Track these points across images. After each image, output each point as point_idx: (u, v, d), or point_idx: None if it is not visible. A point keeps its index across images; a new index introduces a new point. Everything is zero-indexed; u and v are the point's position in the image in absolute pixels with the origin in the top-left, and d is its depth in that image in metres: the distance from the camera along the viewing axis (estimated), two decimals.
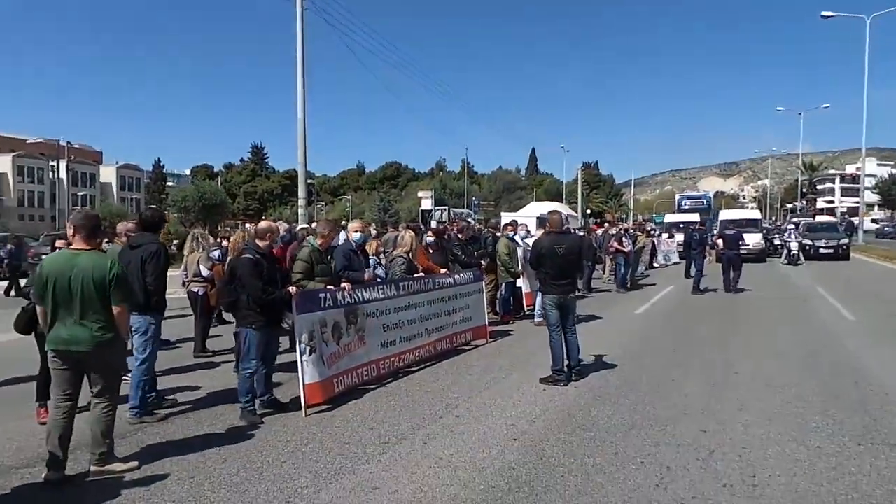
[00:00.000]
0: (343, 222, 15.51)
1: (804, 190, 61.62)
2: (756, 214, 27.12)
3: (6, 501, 3.81)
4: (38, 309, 4.12)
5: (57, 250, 5.28)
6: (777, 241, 27.46)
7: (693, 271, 15.81)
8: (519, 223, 12.56)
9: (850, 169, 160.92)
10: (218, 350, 8.12)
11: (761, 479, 3.97)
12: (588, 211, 72.91)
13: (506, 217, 41.25)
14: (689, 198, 46.92)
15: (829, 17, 35.44)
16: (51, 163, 79.28)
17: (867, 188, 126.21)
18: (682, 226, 24.77)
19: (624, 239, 15.53)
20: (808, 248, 26.16)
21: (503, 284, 10.48)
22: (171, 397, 5.87)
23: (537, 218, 36.72)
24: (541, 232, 9.45)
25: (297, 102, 19.07)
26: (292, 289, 5.57)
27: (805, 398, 5.80)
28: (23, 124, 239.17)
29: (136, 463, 4.22)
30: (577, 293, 7.35)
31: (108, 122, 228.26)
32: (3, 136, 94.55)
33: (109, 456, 4.12)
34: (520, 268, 10.29)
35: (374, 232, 10.48)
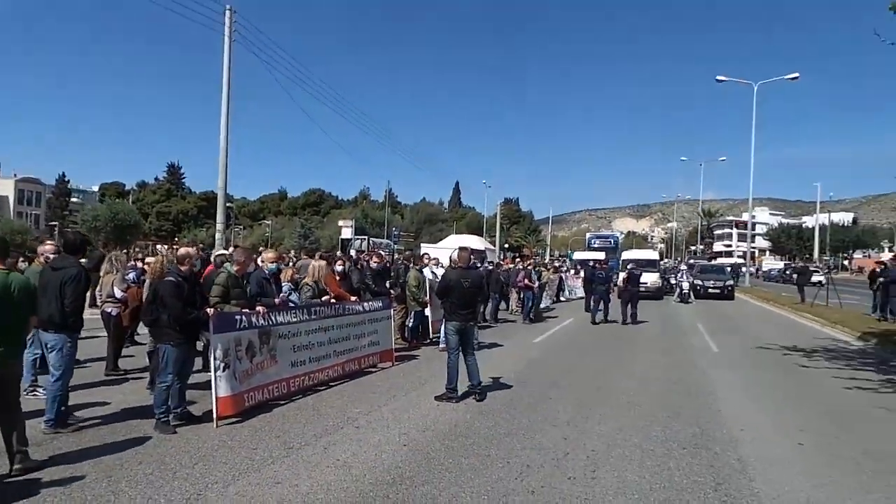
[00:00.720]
0: (260, 248, 15.85)
1: (703, 234, 66.61)
2: (654, 255, 29.38)
3: None
4: None
5: None
6: (673, 281, 29.82)
7: (592, 304, 17.32)
8: (431, 256, 13.48)
9: (746, 216, 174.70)
10: (129, 369, 8.38)
11: (599, 474, 4.89)
12: (507, 245, 75.12)
13: (425, 248, 42.27)
14: (598, 237, 49.74)
15: (723, 80, 39.16)
16: None
17: (759, 234, 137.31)
18: (589, 263, 26.52)
19: (532, 274, 16.72)
20: (698, 287, 28.66)
21: (412, 312, 11.26)
22: (77, 413, 6.12)
23: (457, 249, 37.94)
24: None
25: (221, 128, 19.36)
26: (210, 310, 6.12)
27: (654, 413, 6.88)
28: None
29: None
30: (477, 322, 8.22)
31: (6, 131, 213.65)
32: None
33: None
34: (427, 297, 11.12)
35: (294, 260, 10.97)
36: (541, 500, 4.32)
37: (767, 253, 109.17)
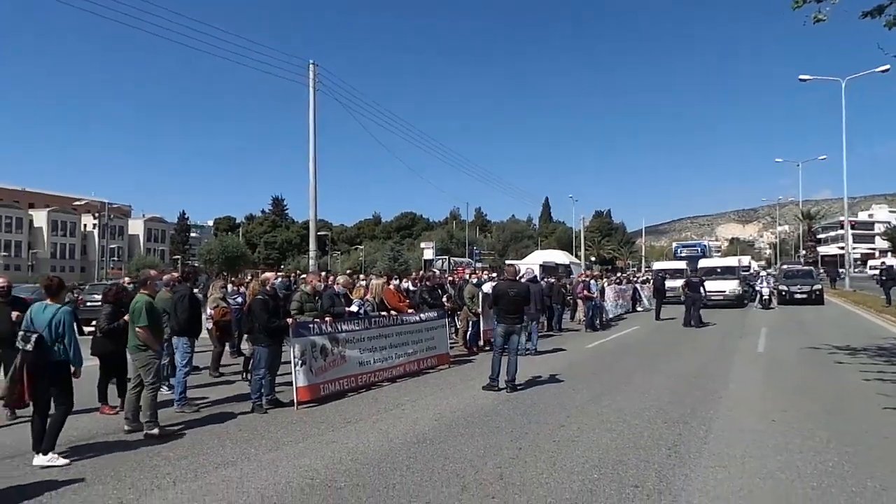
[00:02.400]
0: (348, 271, 17.98)
1: (804, 238, 63.31)
2: (734, 262, 28.96)
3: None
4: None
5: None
6: (757, 287, 29.34)
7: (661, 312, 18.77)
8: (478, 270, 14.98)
9: (863, 216, 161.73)
10: (226, 373, 10.37)
11: (580, 439, 6.16)
12: (592, 258, 74.75)
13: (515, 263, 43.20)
14: (684, 246, 48.95)
15: (806, 80, 37.91)
16: (83, 217, 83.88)
17: (877, 234, 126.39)
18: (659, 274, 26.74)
19: (592, 284, 17.76)
20: (784, 293, 28.11)
21: (470, 322, 12.77)
22: (196, 400, 8.11)
23: (540, 265, 39.07)
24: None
25: (309, 169, 21.91)
26: (289, 320, 7.96)
27: (658, 399, 7.97)
28: (57, 182, 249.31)
29: (156, 431, 6.41)
30: (522, 326, 9.63)
31: (137, 178, 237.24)
32: (39, 192, 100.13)
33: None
34: (479, 309, 12.59)
35: (363, 280, 12.75)
36: (523, 453, 5.68)
37: (889, 254, 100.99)
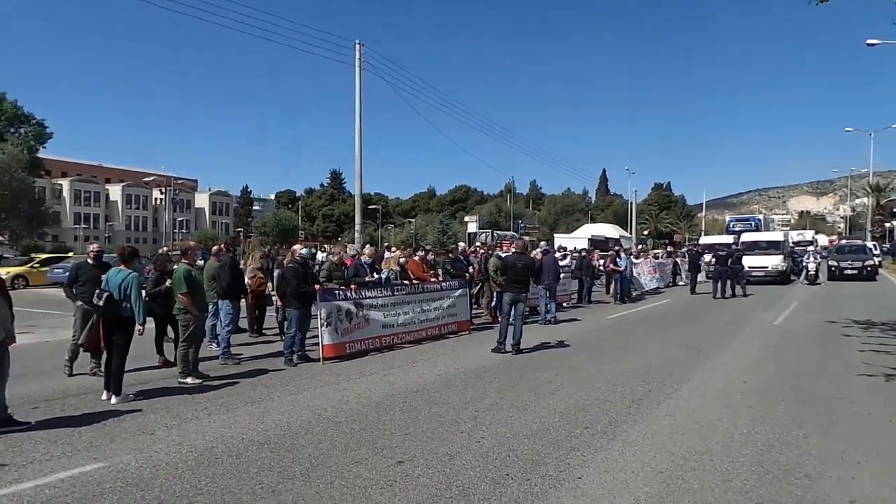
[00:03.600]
0: (383, 247, 19.08)
1: (873, 212, 60.34)
2: (779, 236, 28.37)
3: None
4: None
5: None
6: (804, 263, 28.82)
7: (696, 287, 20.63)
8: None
9: None
10: (268, 334, 11.60)
11: (558, 392, 6.99)
12: (645, 233, 73.65)
13: (559, 238, 43.80)
14: (738, 220, 47.75)
15: (874, 44, 36.18)
16: (154, 191, 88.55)
17: None
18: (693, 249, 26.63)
19: (618, 259, 18.23)
20: (833, 268, 27.57)
21: (494, 293, 13.60)
22: (236, 354, 9.33)
23: (588, 239, 39.29)
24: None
25: (356, 147, 23.00)
26: (317, 286, 9.05)
27: (648, 364, 8.66)
28: (129, 157, 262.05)
29: (200, 381, 7.56)
30: (528, 295, 10.45)
31: (204, 152, 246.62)
32: (115, 167, 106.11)
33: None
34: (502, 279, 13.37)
35: (394, 252, 13.74)
36: (502, 401, 6.57)
37: None
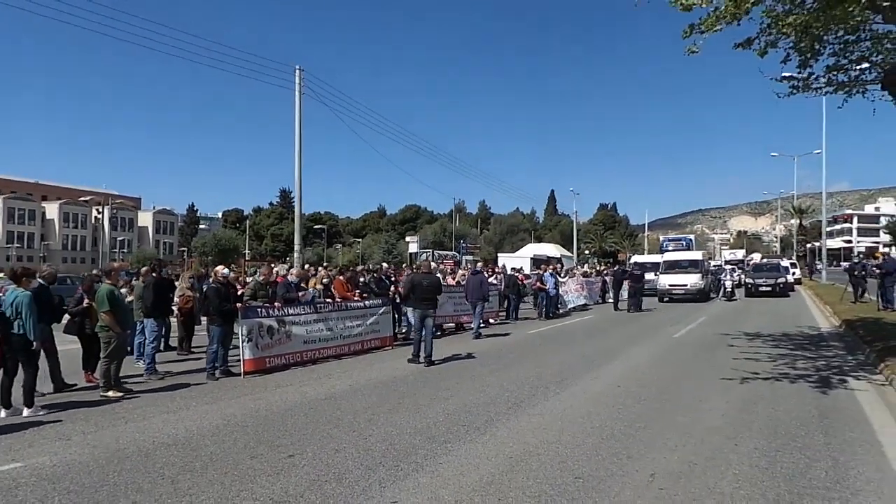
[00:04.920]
0: (325, 265, 19.69)
1: (798, 232, 64.37)
2: (698, 256, 30.22)
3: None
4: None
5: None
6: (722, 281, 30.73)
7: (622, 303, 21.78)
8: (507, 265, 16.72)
9: (868, 209, 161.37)
10: (196, 352, 12.06)
11: (453, 399, 7.79)
12: (587, 252, 76.04)
13: (502, 258, 44.98)
14: (671, 240, 50.22)
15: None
16: (94, 209, 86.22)
17: (881, 227, 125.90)
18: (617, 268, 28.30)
19: (545, 277, 19.34)
20: (750, 286, 29.56)
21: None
22: (162, 369, 9.81)
23: (531, 258, 40.56)
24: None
25: (295, 171, 23.58)
26: (238, 304, 9.65)
27: (545, 373, 9.57)
28: (69, 174, 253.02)
29: (121, 394, 8.03)
30: (434, 311, 11.27)
31: (147, 169, 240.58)
32: (52, 184, 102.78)
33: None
34: None
35: (315, 272, 14.38)
36: (400, 406, 7.33)
37: (893, 249, 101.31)
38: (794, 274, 37.24)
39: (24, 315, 6.83)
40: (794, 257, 58.52)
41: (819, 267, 39.51)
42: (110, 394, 7.89)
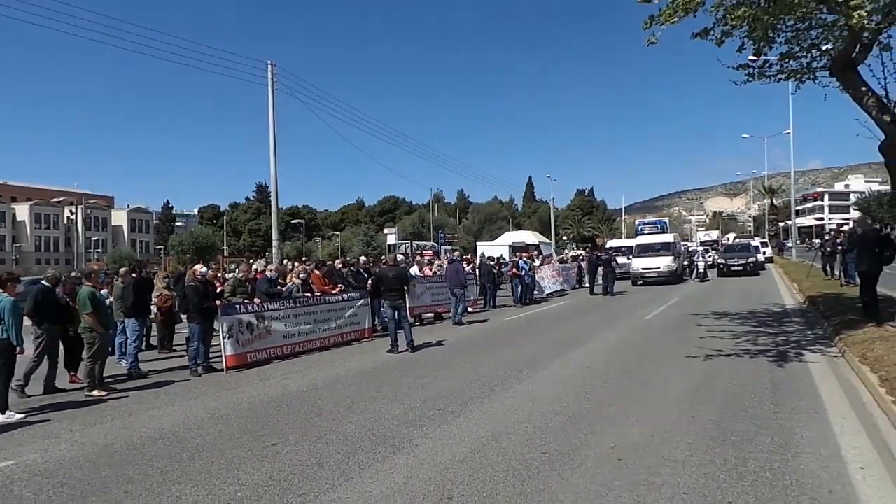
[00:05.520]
0: (304, 259, 19.88)
1: (769, 212, 65.74)
2: (669, 238, 30.76)
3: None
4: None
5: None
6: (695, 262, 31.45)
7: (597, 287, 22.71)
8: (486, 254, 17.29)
9: (839, 186, 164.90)
10: (178, 350, 12.24)
11: (430, 386, 8.11)
12: (565, 238, 76.83)
13: (481, 246, 45.38)
14: (646, 223, 50.84)
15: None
16: (66, 209, 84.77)
17: (851, 204, 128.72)
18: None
19: (521, 264, 19.73)
20: (722, 266, 30.29)
21: None
22: (144, 368, 9.98)
23: (509, 246, 40.95)
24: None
25: (270, 166, 23.61)
26: (218, 302, 9.85)
27: (520, 357, 9.93)
28: (39, 173, 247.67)
29: (106, 393, 8.21)
30: (404, 301, 11.61)
31: (120, 167, 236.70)
32: (21, 185, 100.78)
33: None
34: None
35: (293, 267, 14.60)
36: (379, 395, 7.63)
37: (852, 223, 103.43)
38: (764, 253, 38.18)
39: (7, 321, 6.95)
40: (766, 237, 59.77)
41: (788, 245, 40.55)
42: (95, 393, 8.07)
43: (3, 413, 7.00)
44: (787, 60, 10.25)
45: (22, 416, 7.09)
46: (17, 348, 7.09)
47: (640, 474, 4.55)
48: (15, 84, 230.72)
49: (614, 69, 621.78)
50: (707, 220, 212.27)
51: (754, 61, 10.47)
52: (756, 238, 50.99)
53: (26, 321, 7.63)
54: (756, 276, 29.03)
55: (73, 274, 9.18)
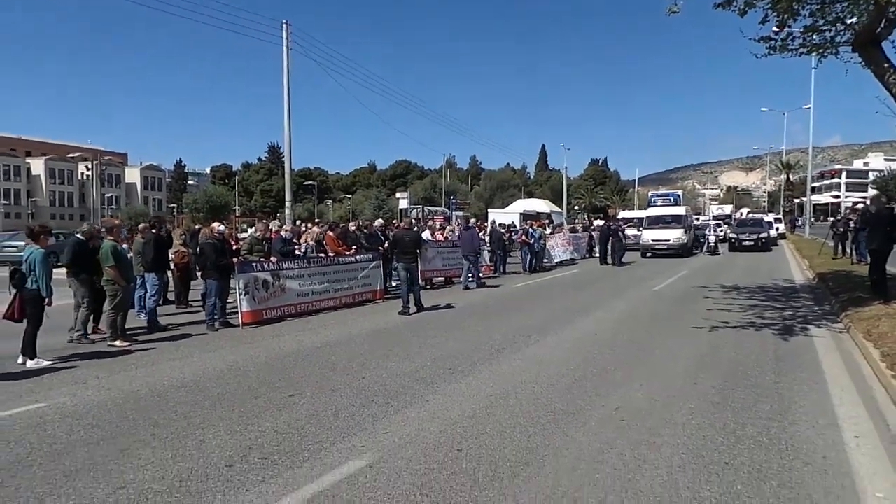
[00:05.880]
0: (317, 221, 20.09)
1: (785, 187, 64.97)
2: (681, 211, 30.40)
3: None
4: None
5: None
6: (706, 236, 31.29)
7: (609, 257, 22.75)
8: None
9: (858, 164, 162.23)
10: (195, 306, 12.53)
11: (436, 347, 8.33)
12: (576, 207, 76.50)
13: (492, 213, 45.40)
14: (658, 195, 50.48)
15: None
16: (80, 165, 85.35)
17: (868, 182, 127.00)
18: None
19: (530, 232, 19.83)
20: (733, 240, 30.21)
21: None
22: (165, 322, 10.30)
23: (520, 214, 40.92)
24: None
25: (284, 126, 23.62)
26: (235, 259, 10.07)
27: (528, 323, 10.13)
28: (54, 129, 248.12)
29: (127, 344, 8.51)
30: (416, 264, 11.84)
31: (133, 125, 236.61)
32: (36, 140, 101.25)
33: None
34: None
35: (307, 227, 14.81)
36: (390, 353, 7.86)
37: (868, 202, 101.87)
38: (777, 229, 37.97)
39: (38, 272, 7.20)
40: (780, 212, 59.27)
41: (800, 222, 40.28)
42: (117, 343, 8.37)
43: (33, 360, 7.29)
44: (810, 34, 10.12)
45: (49, 362, 7.38)
46: (46, 299, 7.33)
47: (642, 434, 4.75)
48: (32, 40, 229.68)
49: (636, 39, 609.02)
50: (721, 195, 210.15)
51: (777, 34, 10.34)
52: (770, 214, 50.65)
53: (60, 272, 7.88)
54: (767, 252, 28.96)
55: (91, 226, 9.33)
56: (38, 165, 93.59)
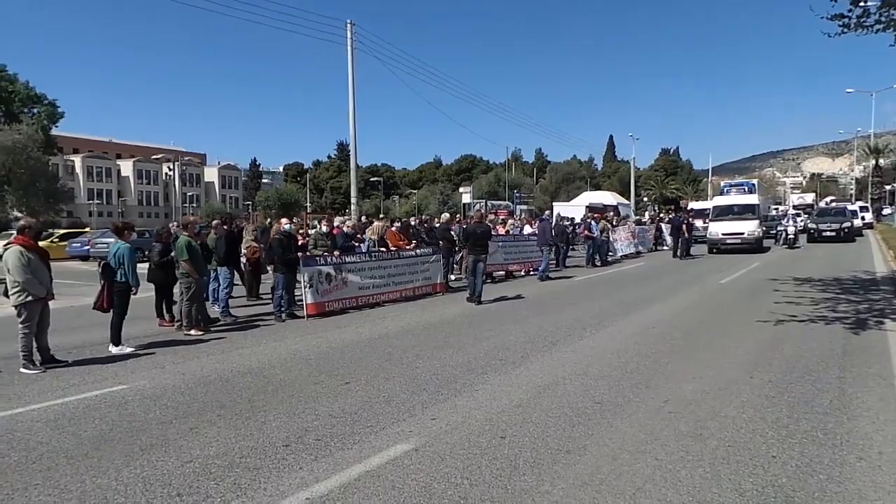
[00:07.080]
0: (381, 216, 20.63)
1: (874, 174, 60.83)
2: (754, 199, 28.30)
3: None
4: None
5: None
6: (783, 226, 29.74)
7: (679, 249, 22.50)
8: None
9: None
10: (264, 298, 13.15)
11: (492, 338, 8.45)
12: (645, 199, 74.39)
13: (557, 206, 44.94)
14: (732, 185, 48.31)
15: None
16: (164, 167, 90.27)
17: None
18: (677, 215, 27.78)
19: (592, 225, 19.59)
20: (812, 231, 28.69)
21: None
22: (234, 313, 10.90)
23: (586, 206, 40.33)
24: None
25: (349, 125, 24.28)
26: (300, 254, 10.54)
27: (585, 317, 10.10)
28: (139, 132, 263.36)
29: (201, 333, 9.07)
30: (486, 256, 12.03)
31: (212, 126, 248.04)
32: (125, 143, 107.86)
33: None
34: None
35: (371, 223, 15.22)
36: (445, 344, 8.06)
37: None
38: (863, 218, 35.75)
39: (126, 265, 7.84)
40: (867, 201, 55.63)
41: (886, 211, 37.70)
42: (192, 332, 8.96)
43: (118, 346, 7.94)
44: (887, 9, 9.56)
45: (132, 349, 8.02)
46: (133, 289, 7.98)
47: (689, 426, 4.73)
48: (114, 47, 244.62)
49: (707, 20, 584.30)
50: (804, 183, 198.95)
51: (851, 11, 9.83)
52: (857, 202, 47.65)
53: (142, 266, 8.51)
54: (851, 243, 27.38)
55: (172, 225, 10.05)
56: (126, 167, 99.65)
